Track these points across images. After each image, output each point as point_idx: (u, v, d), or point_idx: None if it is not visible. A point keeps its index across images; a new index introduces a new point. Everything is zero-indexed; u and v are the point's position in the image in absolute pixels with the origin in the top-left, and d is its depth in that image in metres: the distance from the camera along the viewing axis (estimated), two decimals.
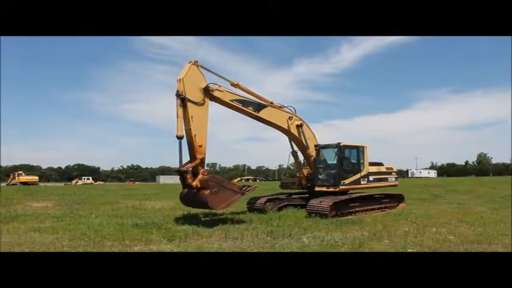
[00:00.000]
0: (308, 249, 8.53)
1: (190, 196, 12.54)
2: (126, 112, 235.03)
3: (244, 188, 13.15)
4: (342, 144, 16.00)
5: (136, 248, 8.81)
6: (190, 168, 12.30)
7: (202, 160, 12.45)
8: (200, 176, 12.21)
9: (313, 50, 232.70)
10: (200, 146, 12.40)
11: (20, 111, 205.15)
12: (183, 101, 12.16)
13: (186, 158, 12.47)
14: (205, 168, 12.72)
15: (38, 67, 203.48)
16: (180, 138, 12.05)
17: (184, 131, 12.23)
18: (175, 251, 8.47)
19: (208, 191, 11.99)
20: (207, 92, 12.91)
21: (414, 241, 9.43)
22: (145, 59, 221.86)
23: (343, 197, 15.06)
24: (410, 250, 8.44)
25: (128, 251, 8.52)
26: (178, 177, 12.85)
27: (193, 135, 12.30)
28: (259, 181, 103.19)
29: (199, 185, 12.17)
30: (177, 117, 12.05)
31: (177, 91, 12.20)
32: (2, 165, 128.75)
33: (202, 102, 12.70)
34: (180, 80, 12.29)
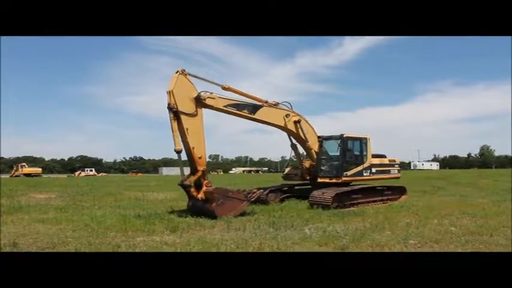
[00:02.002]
0: (310, 240, 8.57)
1: (197, 207, 12.50)
2: (129, 104, 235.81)
3: (250, 195, 13.10)
4: (345, 135, 16.01)
5: (139, 239, 8.86)
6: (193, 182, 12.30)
7: (204, 172, 12.39)
8: (204, 188, 12.19)
9: (316, 42, 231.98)
10: (200, 158, 12.33)
11: (23, 103, 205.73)
12: (175, 114, 11.94)
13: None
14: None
15: (40, 60, 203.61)
16: (178, 152, 12.00)
17: (181, 143, 12.14)
18: (177, 241, 8.51)
19: (214, 203, 12.04)
20: (199, 101, 12.56)
21: (416, 232, 9.46)
22: (148, 50, 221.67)
23: (345, 189, 15.08)
24: (412, 241, 8.46)
25: (131, 241, 8.57)
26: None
27: (191, 148, 12.17)
28: (261, 172, 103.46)
29: (204, 197, 12.18)
30: (173, 131, 11.91)
31: (168, 104, 11.95)
32: (5, 157, 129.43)
33: (195, 112, 12.41)
34: (169, 92, 11.98)
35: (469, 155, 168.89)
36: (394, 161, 18.28)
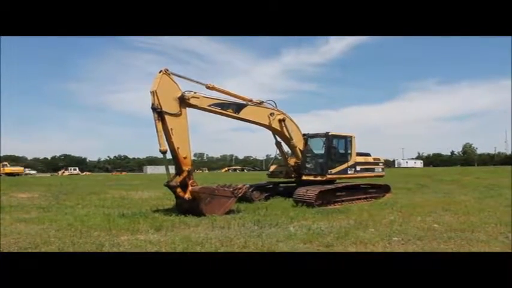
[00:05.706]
0: (294, 238, 8.59)
1: (185, 207, 12.42)
2: (113, 102, 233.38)
3: (236, 191, 13.07)
4: (330, 133, 16.11)
5: (123, 238, 8.79)
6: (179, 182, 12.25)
7: (190, 171, 12.38)
8: (190, 188, 12.20)
9: (302, 40, 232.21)
10: (185, 158, 12.29)
11: (4, 101, 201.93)
12: (160, 114, 11.86)
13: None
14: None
15: (22, 56, 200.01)
16: (164, 152, 11.97)
17: (166, 143, 12.09)
18: (162, 240, 8.47)
19: (201, 202, 12.03)
20: (183, 101, 12.49)
21: (399, 229, 9.55)
22: (132, 48, 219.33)
23: (329, 186, 15.16)
24: (395, 238, 8.55)
25: (115, 240, 8.50)
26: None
27: (176, 148, 12.13)
28: (246, 171, 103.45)
29: (190, 197, 12.17)
30: (157, 131, 11.84)
31: (152, 104, 11.85)
32: None
33: (179, 112, 12.35)
34: (153, 92, 11.86)
35: (452, 153, 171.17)
36: (379, 159, 18.47)
